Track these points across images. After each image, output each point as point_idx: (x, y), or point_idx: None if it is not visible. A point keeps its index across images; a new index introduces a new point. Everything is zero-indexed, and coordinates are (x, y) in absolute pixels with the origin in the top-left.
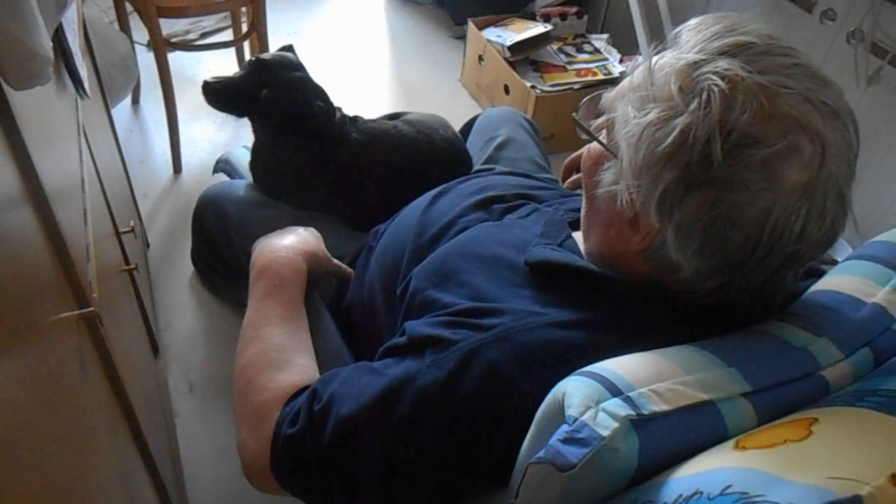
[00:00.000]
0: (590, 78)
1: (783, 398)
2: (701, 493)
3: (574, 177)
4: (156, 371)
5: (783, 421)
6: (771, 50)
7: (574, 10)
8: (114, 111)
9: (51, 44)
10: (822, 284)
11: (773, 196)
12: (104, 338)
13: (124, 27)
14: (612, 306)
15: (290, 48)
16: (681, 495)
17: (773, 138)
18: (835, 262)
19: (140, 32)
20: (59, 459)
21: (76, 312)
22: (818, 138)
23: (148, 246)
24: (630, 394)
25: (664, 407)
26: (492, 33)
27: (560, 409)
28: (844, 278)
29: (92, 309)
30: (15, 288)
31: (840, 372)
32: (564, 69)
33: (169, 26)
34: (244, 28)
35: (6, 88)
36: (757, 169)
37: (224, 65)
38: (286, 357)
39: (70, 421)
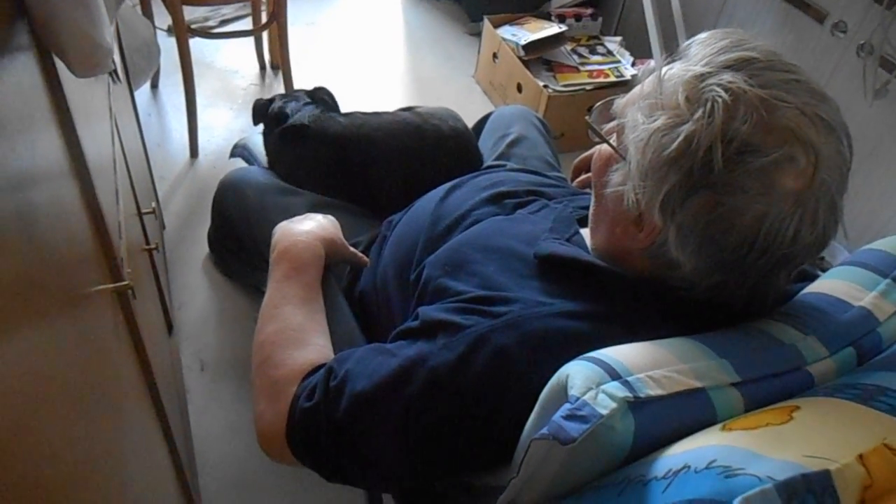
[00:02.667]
0: (602, 79)
1: (770, 389)
2: (688, 467)
3: (583, 176)
4: (170, 348)
5: (767, 408)
6: (773, 65)
7: (589, 11)
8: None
9: (113, 36)
10: (813, 287)
11: (769, 201)
12: (133, 311)
13: (147, 12)
14: (615, 299)
15: (325, 90)
16: (670, 469)
17: (770, 148)
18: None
19: (161, 18)
20: (95, 417)
21: (112, 285)
22: (812, 149)
23: (164, 227)
24: (628, 378)
25: (659, 391)
26: (507, 31)
27: (563, 389)
28: (835, 282)
29: (127, 283)
30: (65, 257)
31: (825, 368)
32: (577, 70)
33: (188, 13)
34: (264, 17)
35: (60, 71)
36: (755, 176)
37: (243, 53)
38: (304, 336)
39: (105, 384)
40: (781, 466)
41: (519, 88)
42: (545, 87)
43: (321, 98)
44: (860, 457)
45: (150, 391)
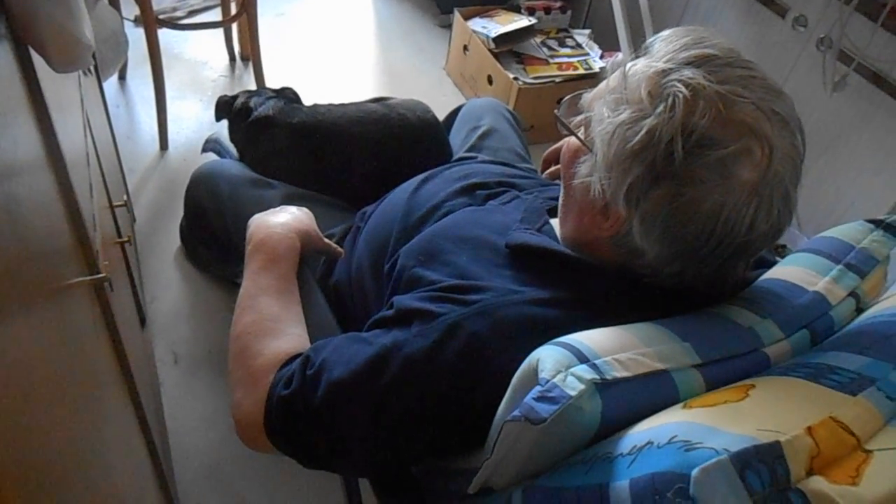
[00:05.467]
0: (571, 72)
1: (729, 370)
2: (651, 442)
3: (552, 168)
4: (143, 341)
5: (726, 387)
6: (731, 62)
7: (558, 4)
8: None
9: (91, 31)
10: (771, 273)
11: (726, 192)
12: (110, 303)
13: (114, 2)
14: (583, 286)
15: (291, 90)
16: (635, 446)
17: (727, 141)
18: None
19: (128, 8)
20: (76, 407)
21: (89, 278)
22: (767, 142)
23: (134, 220)
24: (596, 361)
25: (625, 373)
26: (477, 24)
27: (534, 373)
28: (791, 268)
29: (103, 275)
30: (45, 250)
31: (781, 349)
32: (546, 62)
33: (156, 3)
34: (233, 8)
35: (36, 64)
36: (713, 167)
37: (211, 43)
38: (280, 326)
39: (85, 376)
40: (736, 439)
41: (489, 80)
42: (515, 79)
43: (286, 94)
44: (808, 429)
45: (127, 383)
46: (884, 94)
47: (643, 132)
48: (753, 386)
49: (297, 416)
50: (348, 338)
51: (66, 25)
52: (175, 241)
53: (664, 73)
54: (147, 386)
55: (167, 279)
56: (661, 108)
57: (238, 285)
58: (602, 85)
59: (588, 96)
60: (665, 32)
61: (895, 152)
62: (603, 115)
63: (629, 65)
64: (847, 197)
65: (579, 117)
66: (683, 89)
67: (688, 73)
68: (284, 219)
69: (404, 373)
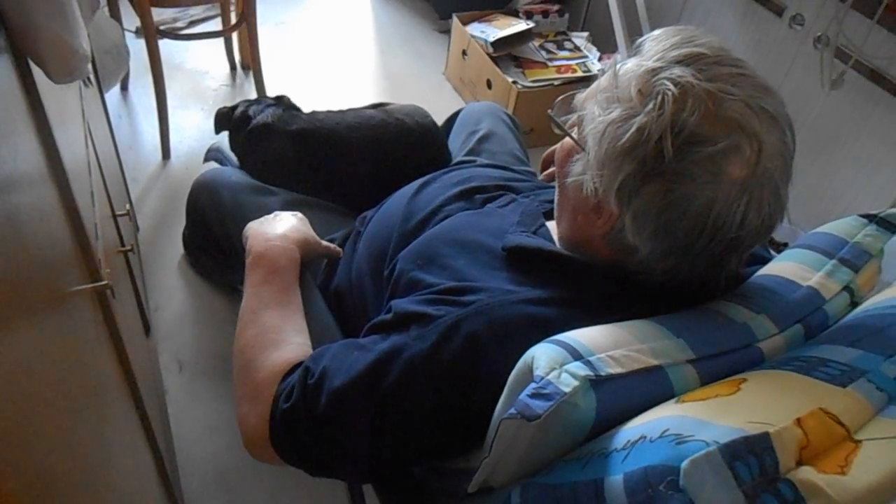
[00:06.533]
0: (569, 74)
1: (723, 365)
2: (644, 437)
3: (550, 169)
4: (148, 349)
5: (719, 381)
6: (720, 60)
7: (556, 7)
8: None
9: (88, 42)
10: (765, 270)
11: (716, 188)
12: (113, 311)
13: (115, 14)
14: (578, 285)
15: (287, 98)
16: (629, 441)
17: (716, 138)
18: None
19: (129, 19)
20: (81, 414)
21: (91, 285)
22: (756, 139)
23: (138, 229)
24: (590, 358)
25: (619, 370)
26: (475, 29)
27: (529, 371)
28: (785, 264)
29: (105, 282)
30: (47, 258)
31: (774, 344)
32: (545, 65)
33: (157, 14)
34: (233, 18)
35: (36, 76)
36: (702, 164)
37: (212, 53)
38: (281, 336)
39: (89, 382)
40: (726, 431)
41: (488, 85)
42: (514, 82)
43: (285, 102)
44: (798, 420)
45: (131, 390)
46: (881, 90)
47: (633, 130)
48: (745, 380)
49: (301, 428)
50: (346, 345)
51: (61, 36)
52: (179, 249)
53: (654, 71)
54: (152, 393)
55: (171, 287)
56: (650, 105)
57: (241, 292)
58: (594, 84)
59: (581, 96)
60: (656, 32)
61: (894, 149)
62: (594, 113)
63: (620, 64)
64: (846, 194)
65: (573, 117)
66: (672, 87)
67: (677, 71)
68: (282, 229)
69: (405, 376)
